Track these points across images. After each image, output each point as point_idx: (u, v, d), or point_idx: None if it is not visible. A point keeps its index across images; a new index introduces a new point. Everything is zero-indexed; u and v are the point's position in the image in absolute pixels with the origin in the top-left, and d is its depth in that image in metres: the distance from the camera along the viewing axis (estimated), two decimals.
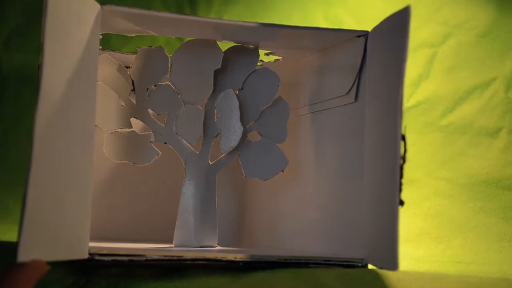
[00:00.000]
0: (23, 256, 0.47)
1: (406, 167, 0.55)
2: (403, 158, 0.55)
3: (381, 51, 0.64)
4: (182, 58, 0.75)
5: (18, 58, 1.17)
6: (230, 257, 0.60)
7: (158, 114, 0.75)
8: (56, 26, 0.52)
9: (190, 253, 0.60)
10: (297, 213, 0.78)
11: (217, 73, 0.75)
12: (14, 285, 0.46)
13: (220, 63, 0.75)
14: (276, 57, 0.79)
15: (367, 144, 0.65)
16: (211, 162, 0.75)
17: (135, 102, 0.75)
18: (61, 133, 0.52)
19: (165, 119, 0.75)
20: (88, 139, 0.57)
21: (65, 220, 0.53)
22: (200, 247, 0.73)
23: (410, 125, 1.05)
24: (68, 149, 0.53)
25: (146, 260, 0.58)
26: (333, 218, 0.71)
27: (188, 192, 0.75)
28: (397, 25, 0.59)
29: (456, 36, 1.06)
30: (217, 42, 0.74)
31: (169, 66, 0.75)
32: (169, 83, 0.75)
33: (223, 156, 0.76)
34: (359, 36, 0.68)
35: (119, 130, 0.74)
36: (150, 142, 0.75)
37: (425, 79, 1.07)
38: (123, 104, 0.74)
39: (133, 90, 0.75)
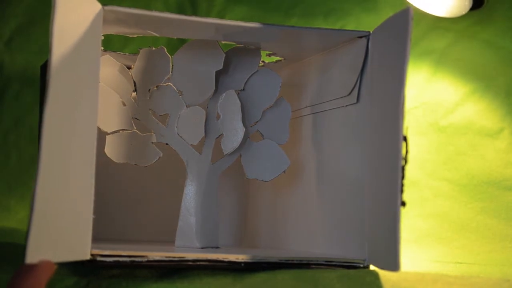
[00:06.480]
0: (31, 257, 0.47)
1: (408, 168, 0.55)
2: (405, 159, 0.55)
3: (382, 52, 0.64)
4: (184, 59, 0.75)
5: (19, 59, 1.17)
6: (232, 258, 0.60)
7: (159, 115, 0.75)
8: (62, 27, 0.52)
9: (191, 254, 0.60)
10: (298, 214, 0.78)
11: (218, 74, 0.75)
12: (26, 287, 0.46)
13: (222, 64, 0.75)
14: (278, 58, 0.79)
15: (369, 144, 0.65)
16: (213, 163, 0.75)
17: (136, 103, 0.75)
18: (64, 135, 0.52)
19: (167, 120, 0.75)
20: (90, 140, 0.57)
21: (67, 221, 0.53)
22: (202, 248, 0.73)
23: (411, 126, 1.05)
24: (70, 150, 0.53)
25: (148, 261, 0.58)
26: (335, 218, 0.71)
27: (190, 193, 0.75)
28: (399, 26, 0.59)
29: (459, 39, 1.06)
30: (219, 42, 0.74)
31: (171, 67, 0.75)
32: (170, 84, 0.75)
33: (224, 157, 0.76)
34: (360, 37, 0.68)
35: (121, 131, 0.74)
36: (152, 143, 0.75)
37: (427, 80, 1.07)
38: (125, 105, 0.74)
39: (135, 90, 0.75)
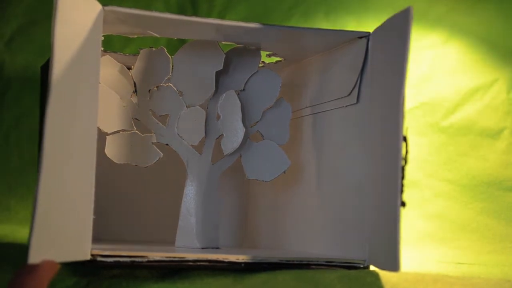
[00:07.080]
0: (34, 257, 0.47)
1: (408, 168, 0.55)
2: (405, 159, 0.55)
3: (382, 52, 0.64)
4: (184, 59, 0.75)
5: (19, 59, 1.17)
6: (232, 258, 0.60)
7: (160, 116, 0.75)
8: (63, 28, 0.52)
9: (192, 254, 0.60)
10: (299, 214, 0.78)
11: (218, 74, 0.75)
12: (28, 287, 0.46)
13: (222, 64, 0.75)
14: (278, 58, 0.79)
15: (369, 145, 0.65)
16: (213, 163, 0.75)
17: (137, 104, 0.75)
18: (65, 135, 0.52)
19: (167, 120, 0.75)
20: (90, 140, 0.57)
21: (67, 222, 0.53)
22: (202, 248, 0.73)
23: (412, 126, 1.05)
24: (71, 150, 0.53)
25: (148, 261, 0.58)
26: (335, 219, 0.71)
27: (190, 194, 0.75)
28: (399, 26, 0.59)
29: (459, 39, 1.06)
30: (219, 43, 0.74)
31: (171, 68, 0.75)
32: (170, 84, 0.75)
33: (225, 157, 0.76)
34: (360, 37, 0.68)
35: (121, 131, 0.74)
36: (152, 143, 0.75)
37: (427, 80, 1.07)
38: (125, 105, 0.74)
39: (135, 91, 0.75)
